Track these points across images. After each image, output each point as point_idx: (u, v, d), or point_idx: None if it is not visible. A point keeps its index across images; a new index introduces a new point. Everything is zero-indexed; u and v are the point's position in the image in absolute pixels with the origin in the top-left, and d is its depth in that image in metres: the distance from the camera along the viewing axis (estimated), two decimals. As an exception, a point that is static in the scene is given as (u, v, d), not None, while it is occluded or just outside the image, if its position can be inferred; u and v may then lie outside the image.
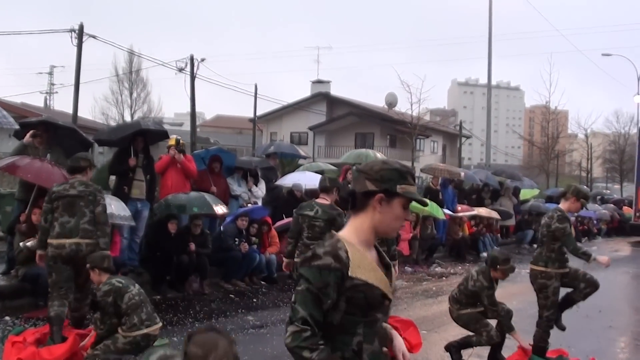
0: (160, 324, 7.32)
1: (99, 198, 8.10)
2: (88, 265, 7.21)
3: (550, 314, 8.27)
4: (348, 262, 3.04)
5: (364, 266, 3.09)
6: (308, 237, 8.51)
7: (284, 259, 9.26)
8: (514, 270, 7.90)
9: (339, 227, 4.68)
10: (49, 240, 7.81)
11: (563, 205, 8.29)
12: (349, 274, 3.03)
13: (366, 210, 3.19)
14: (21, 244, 9.68)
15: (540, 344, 8.33)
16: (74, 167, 8.30)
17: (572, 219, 14.52)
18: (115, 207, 10.90)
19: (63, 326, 7.76)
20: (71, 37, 25.30)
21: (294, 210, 9.06)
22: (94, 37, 25.97)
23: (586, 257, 7.98)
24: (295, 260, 8.75)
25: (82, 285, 8.01)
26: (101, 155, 24.97)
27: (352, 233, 3.19)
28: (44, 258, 7.89)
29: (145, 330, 6.96)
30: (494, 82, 34.87)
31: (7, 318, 9.09)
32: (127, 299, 6.89)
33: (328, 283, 3.01)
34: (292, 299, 3.07)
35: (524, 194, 26.34)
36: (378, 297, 3.13)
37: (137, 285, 7.29)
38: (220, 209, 12.31)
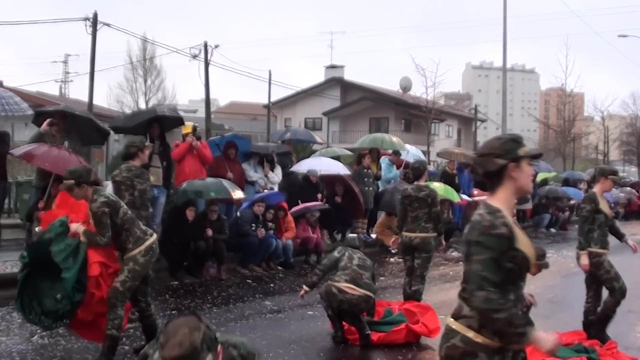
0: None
1: (135, 183, 8.69)
2: (73, 182, 6.72)
3: (622, 284, 8.22)
4: (514, 234, 3.47)
5: (522, 240, 3.51)
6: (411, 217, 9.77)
7: (393, 235, 10.65)
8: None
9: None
10: None
11: (596, 189, 8.30)
12: (515, 245, 3.46)
13: (504, 182, 3.65)
14: (37, 229, 9.72)
15: (609, 313, 8.40)
16: (126, 154, 8.96)
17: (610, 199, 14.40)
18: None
19: None
20: (85, 26, 25.42)
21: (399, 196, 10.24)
22: (108, 25, 26.04)
23: (585, 243, 8.18)
24: (410, 235, 9.71)
25: None
26: (117, 143, 25.03)
27: (502, 205, 3.62)
28: None
29: (151, 239, 7.01)
30: (508, 65, 34.62)
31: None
32: (121, 214, 6.82)
33: (505, 250, 3.43)
34: (470, 268, 3.53)
35: (541, 176, 26.16)
36: (527, 269, 3.60)
37: None
38: (237, 194, 12.32)
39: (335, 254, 8.54)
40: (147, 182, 8.91)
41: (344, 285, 8.05)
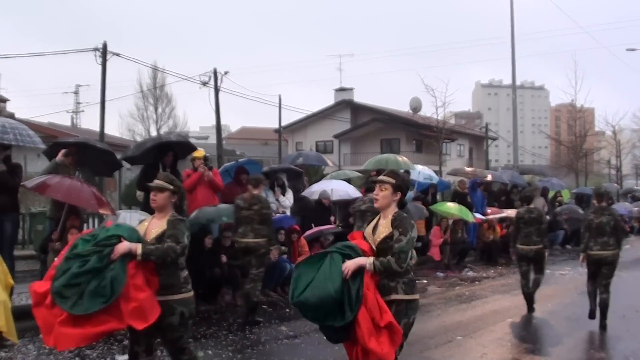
0: None
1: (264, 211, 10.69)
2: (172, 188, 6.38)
3: None
4: None
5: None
6: None
7: None
8: None
9: None
10: None
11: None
12: None
13: None
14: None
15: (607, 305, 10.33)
16: (254, 182, 10.94)
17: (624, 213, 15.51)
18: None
19: None
20: (95, 56, 25.49)
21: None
22: (117, 54, 26.13)
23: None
24: (525, 247, 11.79)
25: None
26: (129, 172, 25.08)
27: None
28: None
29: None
30: (518, 82, 34.59)
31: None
32: None
33: None
34: None
35: (552, 193, 26.04)
36: None
37: None
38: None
39: None
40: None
41: None
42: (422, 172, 19.64)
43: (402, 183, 5.82)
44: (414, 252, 5.69)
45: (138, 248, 5.75)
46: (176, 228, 6.13)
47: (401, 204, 5.83)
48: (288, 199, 14.98)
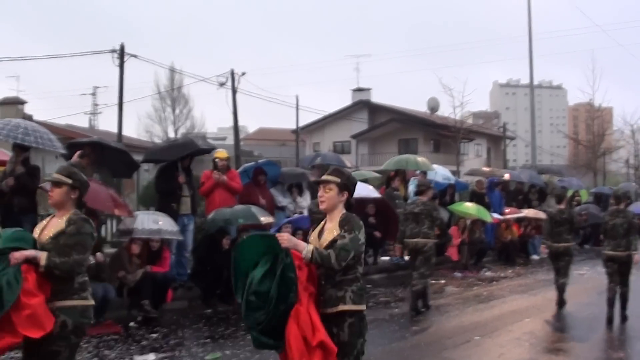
0: None
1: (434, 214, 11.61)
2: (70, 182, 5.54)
3: None
4: None
5: None
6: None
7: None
8: None
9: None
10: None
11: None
12: None
13: None
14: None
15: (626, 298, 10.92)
16: (418, 192, 12.29)
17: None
18: (163, 222, 11.07)
19: None
20: (113, 58, 25.70)
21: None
22: (135, 56, 26.31)
23: None
24: (557, 245, 12.20)
25: None
26: (147, 173, 25.20)
27: None
28: None
29: None
30: (535, 82, 34.48)
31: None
32: None
33: None
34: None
35: (571, 192, 25.85)
36: None
37: None
38: (266, 219, 12.35)
39: None
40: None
41: None
42: (440, 172, 19.59)
43: (347, 182, 5.28)
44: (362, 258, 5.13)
45: (42, 258, 5.04)
46: (80, 233, 5.26)
47: (349, 205, 5.30)
48: (305, 200, 15.01)
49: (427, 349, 8.99)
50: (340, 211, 5.20)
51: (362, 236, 5.07)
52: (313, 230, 5.40)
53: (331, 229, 5.12)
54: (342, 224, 5.05)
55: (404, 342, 9.37)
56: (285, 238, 4.94)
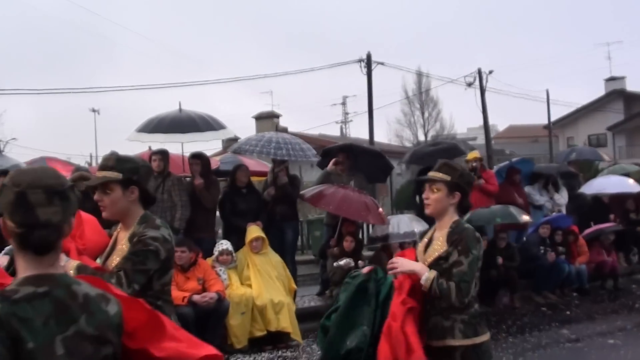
0: None
1: None
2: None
3: None
4: None
5: None
6: None
7: None
8: None
9: None
10: None
11: None
12: None
13: None
14: (335, 264, 10.15)
15: None
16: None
17: None
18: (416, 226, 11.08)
19: None
20: (360, 67, 26.32)
21: None
22: (382, 63, 26.77)
23: None
24: None
25: None
26: (399, 177, 25.53)
27: None
28: None
29: None
30: None
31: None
32: None
33: None
34: None
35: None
36: None
37: None
38: (524, 218, 12.01)
39: None
40: None
41: None
42: None
43: (460, 180, 4.25)
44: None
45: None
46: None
47: (463, 209, 4.38)
48: (563, 197, 14.43)
49: None
50: (452, 217, 4.26)
51: (478, 251, 4.24)
52: (420, 240, 4.48)
53: (440, 239, 4.23)
54: (453, 238, 4.14)
55: None
56: (398, 264, 4.19)
